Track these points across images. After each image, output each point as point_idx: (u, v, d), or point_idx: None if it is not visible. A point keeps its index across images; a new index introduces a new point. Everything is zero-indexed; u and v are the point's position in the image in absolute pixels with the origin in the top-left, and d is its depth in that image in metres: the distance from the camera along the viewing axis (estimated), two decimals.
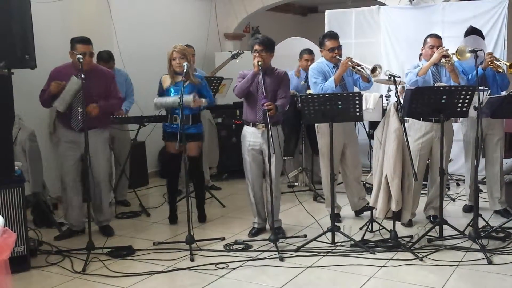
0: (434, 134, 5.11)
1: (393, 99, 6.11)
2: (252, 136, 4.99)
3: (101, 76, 5.09)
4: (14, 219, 4.23)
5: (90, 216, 4.71)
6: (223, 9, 9.42)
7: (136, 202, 6.21)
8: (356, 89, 5.37)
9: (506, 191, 5.53)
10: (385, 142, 4.72)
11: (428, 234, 4.75)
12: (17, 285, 4.03)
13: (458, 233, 4.78)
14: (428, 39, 5.31)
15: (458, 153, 6.77)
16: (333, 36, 5.35)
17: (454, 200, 6.22)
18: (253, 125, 4.98)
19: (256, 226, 5.17)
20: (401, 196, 4.68)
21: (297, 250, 4.64)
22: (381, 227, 4.98)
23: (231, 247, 4.77)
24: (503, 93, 5.44)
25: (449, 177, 6.77)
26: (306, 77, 6.47)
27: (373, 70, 5.08)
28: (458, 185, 6.91)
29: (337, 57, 5.30)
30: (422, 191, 5.49)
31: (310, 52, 6.91)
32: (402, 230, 5.01)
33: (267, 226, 5.16)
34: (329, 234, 4.80)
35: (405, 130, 4.57)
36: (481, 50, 4.87)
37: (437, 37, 5.31)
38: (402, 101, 4.88)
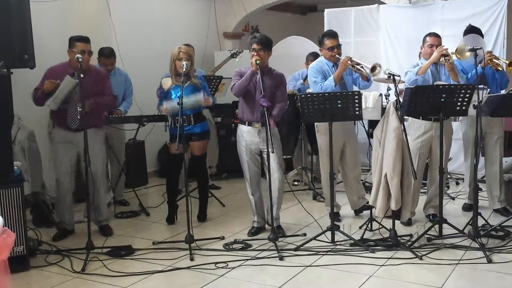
0: (433, 133, 5.11)
1: (392, 98, 6.11)
2: (248, 135, 4.98)
3: (97, 76, 5.10)
4: (13, 219, 4.22)
5: (90, 216, 4.70)
6: (223, 8, 9.42)
7: (136, 202, 6.21)
8: (355, 88, 5.37)
9: (506, 190, 5.53)
10: (385, 141, 4.72)
11: (427, 233, 4.75)
12: (17, 285, 4.03)
13: (457, 231, 4.79)
14: (427, 38, 5.31)
15: (457, 152, 6.77)
16: (333, 35, 5.35)
17: (453, 199, 6.22)
18: (249, 124, 4.97)
19: (255, 225, 5.17)
20: (400, 195, 4.68)
21: (296, 249, 4.64)
22: (380, 226, 4.98)
23: (231, 247, 4.77)
24: (503, 92, 5.44)
25: (448, 176, 6.77)
26: (306, 76, 6.48)
27: (373, 69, 5.08)
28: (457, 183, 6.92)
29: (337, 56, 5.30)
30: (422, 190, 5.50)
31: (315, 56, 6.89)
32: (401, 229, 5.01)
33: (267, 225, 5.16)
34: (328, 233, 4.80)
35: (404, 129, 4.57)
36: (480, 48, 4.87)
37: (436, 36, 5.31)
38: (401, 100, 4.87)
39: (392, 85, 5.21)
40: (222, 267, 4.31)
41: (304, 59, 7.06)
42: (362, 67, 5.19)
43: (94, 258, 4.51)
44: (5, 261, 2.57)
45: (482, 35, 5.72)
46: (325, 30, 6.96)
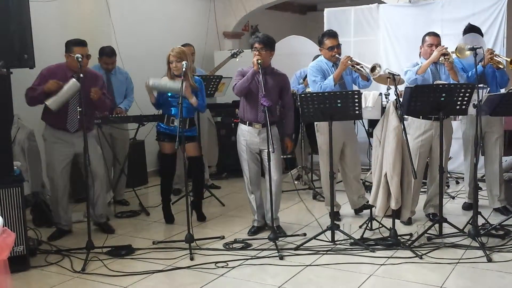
0: (433, 132, 5.11)
1: (392, 97, 6.11)
2: (248, 135, 4.98)
3: (94, 79, 5.07)
4: (13, 219, 4.22)
5: (89, 216, 4.71)
6: (222, 7, 9.42)
7: (136, 201, 6.21)
8: (355, 88, 5.37)
9: (506, 189, 5.53)
10: (385, 140, 4.72)
11: (427, 232, 4.75)
12: (17, 285, 4.03)
13: (457, 231, 4.79)
14: (427, 37, 5.31)
15: (457, 151, 6.77)
16: (332, 34, 5.35)
17: (453, 198, 6.22)
18: (250, 124, 4.97)
19: (255, 224, 5.17)
20: (400, 194, 4.68)
21: (296, 248, 4.64)
22: (380, 225, 4.98)
23: (231, 246, 4.77)
24: (502, 91, 5.44)
25: (448, 175, 6.77)
26: (305, 77, 6.48)
27: (373, 69, 5.07)
28: (457, 183, 6.92)
29: (336, 55, 5.30)
30: (422, 189, 5.49)
31: None
32: (401, 228, 5.01)
33: (266, 224, 5.16)
34: (328, 233, 4.80)
35: (404, 128, 4.56)
36: (480, 48, 4.86)
37: (435, 35, 5.31)
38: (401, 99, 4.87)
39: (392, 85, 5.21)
40: (222, 267, 4.31)
41: (304, 59, 7.05)
42: (362, 67, 5.19)
43: (94, 258, 4.51)
44: (5, 261, 2.58)
45: (481, 34, 5.73)
46: (325, 29, 6.96)
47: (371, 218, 5.05)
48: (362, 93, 4.76)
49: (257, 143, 4.95)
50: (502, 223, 4.93)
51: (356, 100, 4.63)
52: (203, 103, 5.34)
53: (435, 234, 4.78)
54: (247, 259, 4.47)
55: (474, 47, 4.75)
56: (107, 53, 6.11)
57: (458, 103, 4.62)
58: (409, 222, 5.20)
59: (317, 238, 4.79)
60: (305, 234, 4.94)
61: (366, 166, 6.92)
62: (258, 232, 5.12)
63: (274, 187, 4.83)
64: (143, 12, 7.78)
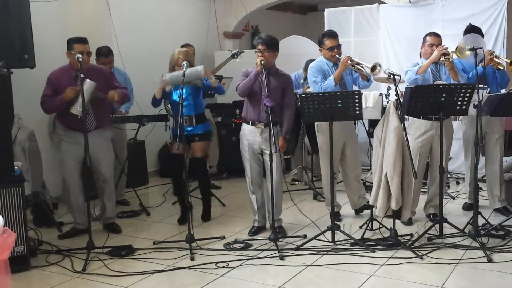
0: (434, 132, 5.11)
1: (392, 97, 6.11)
2: (250, 135, 4.99)
3: (100, 74, 5.07)
4: (14, 219, 4.22)
5: (90, 215, 4.71)
6: (222, 8, 9.42)
7: (136, 202, 6.21)
8: (355, 88, 5.37)
9: (506, 189, 5.53)
10: (385, 140, 4.72)
11: (428, 232, 4.75)
12: (17, 285, 4.04)
13: (458, 231, 4.79)
14: (427, 38, 5.32)
15: (458, 151, 6.77)
16: (332, 35, 5.35)
17: (454, 198, 6.22)
18: (252, 124, 4.98)
19: (256, 224, 5.17)
20: (401, 194, 4.68)
21: (297, 249, 4.64)
22: (381, 226, 4.98)
23: (231, 246, 4.77)
24: (503, 91, 5.44)
25: (449, 175, 6.77)
26: (305, 77, 6.49)
27: (373, 68, 5.07)
28: (458, 183, 6.91)
29: (337, 56, 5.30)
30: (422, 189, 5.49)
31: None
32: (402, 229, 5.01)
33: (267, 225, 5.16)
34: (329, 233, 4.80)
35: (404, 129, 4.56)
36: (480, 48, 4.87)
37: (436, 35, 5.31)
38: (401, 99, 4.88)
39: (392, 85, 5.21)
40: (222, 267, 4.32)
41: (304, 59, 7.05)
42: (362, 67, 5.19)
43: (94, 258, 4.51)
44: (5, 261, 2.58)
45: (482, 35, 5.73)
46: (325, 29, 6.96)
47: (372, 219, 5.05)
48: (362, 93, 4.76)
49: (259, 143, 4.95)
50: (503, 224, 4.93)
51: (357, 100, 4.63)
52: (220, 87, 5.40)
53: (436, 235, 4.77)
54: (248, 259, 4.47)
55: (474, 47, 4.75)
56: (104, 53, 6.11)
57: (459, 103, 4.62)
58: (409, 222, 5.20)
59: (317, 238, 4.79)
60: (305, 236, 4.93)
61: (367, 166, 6.92)
62: (258, 232, 5.12)
63: (275, 188, 4.83)
64: (143, 12, 7.79)
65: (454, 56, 5.17)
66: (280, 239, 4.77)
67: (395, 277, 4.05)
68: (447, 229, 4.83)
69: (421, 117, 5.14)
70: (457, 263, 4.23)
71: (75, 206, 5.16)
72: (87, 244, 4.56)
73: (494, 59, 5.30)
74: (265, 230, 5.14)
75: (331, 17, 8.07)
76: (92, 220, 5.33)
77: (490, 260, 4.23)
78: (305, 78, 6.65)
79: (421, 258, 4.34)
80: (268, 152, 4.78)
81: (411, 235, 4.84)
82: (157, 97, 5.25)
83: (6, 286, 2.68)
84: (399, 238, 4.66)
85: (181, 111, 4.68)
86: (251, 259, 4.47)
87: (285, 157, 6.41)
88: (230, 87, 6.91)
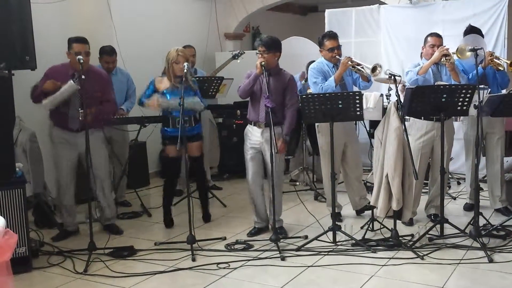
0: (435, 133, 5.11)
1: (393, 98, 6.12)
2: (252, 135, 5.00)
3: (98, 78, 5.06)
4: (15, 220, 4.23)
5: (91, 217, 4.71)
6: (223, 9, 9.43)
7: (137, 203, 6.22)
8: (355, 89, 5.37)
9: (507, 190, 5.53)
10: (386, 141, 4.73)
11: (429, 232, 4.75)
12: (19, 286, 4.04)
13: (459, 231, 4.79)
14: (429, 38, 5.32)
15: (458, 152, 6.77)
16: (333, 36, 5.36)
17: (454, 198, 6.22)
18: (255, 124, 4.99)
19: (257, 225, 5.18)
20: (401, 195, 4.68)
21: (298, 249, 4.64)
22: (382, 226, 4.99)
23: (232, 247, 4.77)
24: (503, 92, 5.44)
25: (450, 176, 6.77)
26: (306, 78, 6.48)
27: (373, 69, 5.08)
28: (459, 183, 6.91)
29: (337, 57, 5.31)
30: (423, 190, 5.49)
31: None
32: (403, 229, 5.01)
33: (269, 226, 5.16)
34: (330, 234, 4.80)
35: (405, 129, 4.57)
36: (481, 48, 4.87)
37: (437, 36, 5.32)
38: (402, 99, 4.88)
39: (393, 85, 5.21)
40: (224, 268, 4.32)
41: (305, 59, 7.05)
42: (362, 67, 5.20)
43: (96, 259, 4.52)
44: (7, 262, 2.58)
45: (482, 35, 5.73)
46: (326, 30, 6.96)
47: (373, 219, 5.05)
48: (363, 94, 4.77)
49: (260, 143, 4.96)
50: (503, 224, 4.93)
51: (357, 101, 4.63)
52: (203, 100, 5.37)
53: (437, 235, 4.77)
54: (249, 260, 4.47)
55: (475, 48, 4.75)
56: (107, 52, 6.12)
57: (459, 104, 4.62)
58: (410, 223, 5.20)
59: (318, 239, 4.79)
60: (306, 237, 4.92)
61: (368, 167, 6.92)
62: (258, 233, 5.13)
63: (276, 188, 4.83)
64: (144, 13, 7.80)
65: (455, 57, 5.17)
66: (281, 240, 4.78)
67: (396, 277, 4.05)
68: (448, 230, 4.84)
69: (422, 117, 5.14)
70: (458, 264, 4.24)
71: (64, 207, 5.16)
72: (89, 245, 4.56)
73: (495, 59, 5.30)
74: (266, 231, 5.14)
75: (332, 18, 8.07)
76: (81, 223, 5.38)
77: (491, 261, 4.24)
78: (306, 79, 6.65)
79: (422, 259, 4.34)
80: (268, 152, 4.79)
81: (412, 235, 4.84)
82: (152, 110, 5.29)
83: (8, 287, 2.68)
84: (400, 238, 4.66)
85: (181, 113, 4.69)
86: (253, 259, 4.48)
87: (286, 157, 6.40)
88: (231, 88, 6.92)
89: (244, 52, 7.44)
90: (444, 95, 4.59)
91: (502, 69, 5.33)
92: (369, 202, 5.34)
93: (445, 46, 5.18)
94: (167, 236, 5.16)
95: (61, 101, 4.81)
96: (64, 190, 5.10)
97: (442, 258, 4.33)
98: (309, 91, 6.33)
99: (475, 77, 4.85)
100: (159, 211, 6.06)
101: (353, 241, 4.69)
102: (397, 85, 4.72)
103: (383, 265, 4.27)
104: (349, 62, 5.15)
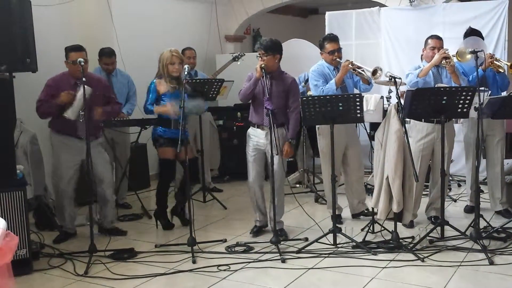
0: (436, 135, 5.11)
1: (393, 100, 6.12)
2: (255, 137, 5.00)
3: (97, 83, 5.04)
4: (16, 222, 4.23)
5: (92, 219, 4.72)
6: (224, 11, 9.44)
7: (138, 205, 6.22)
8: (356, 91, 5.38)
9: (507, 192, 5.53)
10: (386, 143, 4.73)
11: (429, 235, 4.75)
12: None
13: (459, 233, 4.79)
14: (429, 41, 5.33)
15: (459, 154, 6.77)
16: (333, 38, 5.37)
17: (455, 201, 6.22)
18: (258, 126, 4.99)
19: (257, 224, 5.18)
20: (402, 197, 4.68)
21: (298, 251, 4.64)
22: (382, 228, 4.98)
23: (233, 249, 4.78)
24: (504, 94, 5.45)
25: (450, 178, 6.77)
26: (307, 80, 6.50)
27: (374, 72, 5.09)
28: (459, 186, 6.91)
29: (337, 59, 5.31)
30: (424, 192, 5.49)
31: None
32: (403, 231, 5.02)
33: (269, 226, 5.16)
34: (330, 236, 4.80)
35: (406, 131, 4.57)
36: (481, 51, 4.87)
37: (438, 38, 5.33)
38: (402, 102, 4.88)
39: (393, 88, 5.22)
40: (224, 270, 4.32)
41: (305, 62, 7.05)
42: (363, 70, 5.20)
43: (96, 261, 4.52)
44: (8, 264, 2.58)
45: (482, 37, 5.74)
46: (326, 33, 6.97)
47: (373, 221, 5.05)
48: (363, 97, 4.77)
49: (264, 145, 4.96)
50: (504, 226, 4.92)
51: (358, 104, 4.63)
52: None
53: (437, 237, 4.78)
54: (249, 262, 4.48)
55: (475, 50, 4.76)
56: (106, 53, 6.12)
57: (460, 106, 4.63)
58: (411, 225, 5.19)
59: (319, 241, 4.79)
60: (306, 239, 4.93)
61: (368, 169, 6.92)
62: (260, 231, 5.14)
63: (276, 190, 4.84)
64: (145, 16, 7.80)
65: (455, 59, 5.18)
66: (282, 242, 4.78)
67: (397, 279, 4.05)
68: (449, 232, 4.84)
69: (423, 119, 5.15)
70: (459, 266, 4.24)
71: (65, 211, 5.16)
72: (89, 247, 4.56)
73: (495, 62, 5.31)
74: (267, 231, 5.14)
75: (332, 20, 8.08)
76: (80, 225, 5.38)
77: (491, 263, 4.24)
78: (307, 81, 6.66)
79: (423, 261, 4.34)
80: (270, 154, 4.79)
81: (413, 237, 4.85)
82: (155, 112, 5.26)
83: None
84: (401, 240, 4.66)
85: (182, 115, 4.69)
86: (253, 262, 4.48)
87: (287, 159, 6.39)
88: (231, 90, 6.92)
89: (245, 54, 7.45)
90: (445, 97, 4.59)
91: (502, 71, 5.34)
92: (367, 209, 5.34)
93: (445, 48, 5.19)
94: (168, 238, 5.17)
95: (81, 108, 4.76)
96: (66, 195, 5.11)
97: (443, 260, 4.33)
98: (309, 93, 6.34)
99: (475, 79, 4.86)
100: None
101: (354, 243, 4.69)
102: (398, 87, 4.72)
103: (383, 267, 4.27)
104: (350, 66, 5.15)
